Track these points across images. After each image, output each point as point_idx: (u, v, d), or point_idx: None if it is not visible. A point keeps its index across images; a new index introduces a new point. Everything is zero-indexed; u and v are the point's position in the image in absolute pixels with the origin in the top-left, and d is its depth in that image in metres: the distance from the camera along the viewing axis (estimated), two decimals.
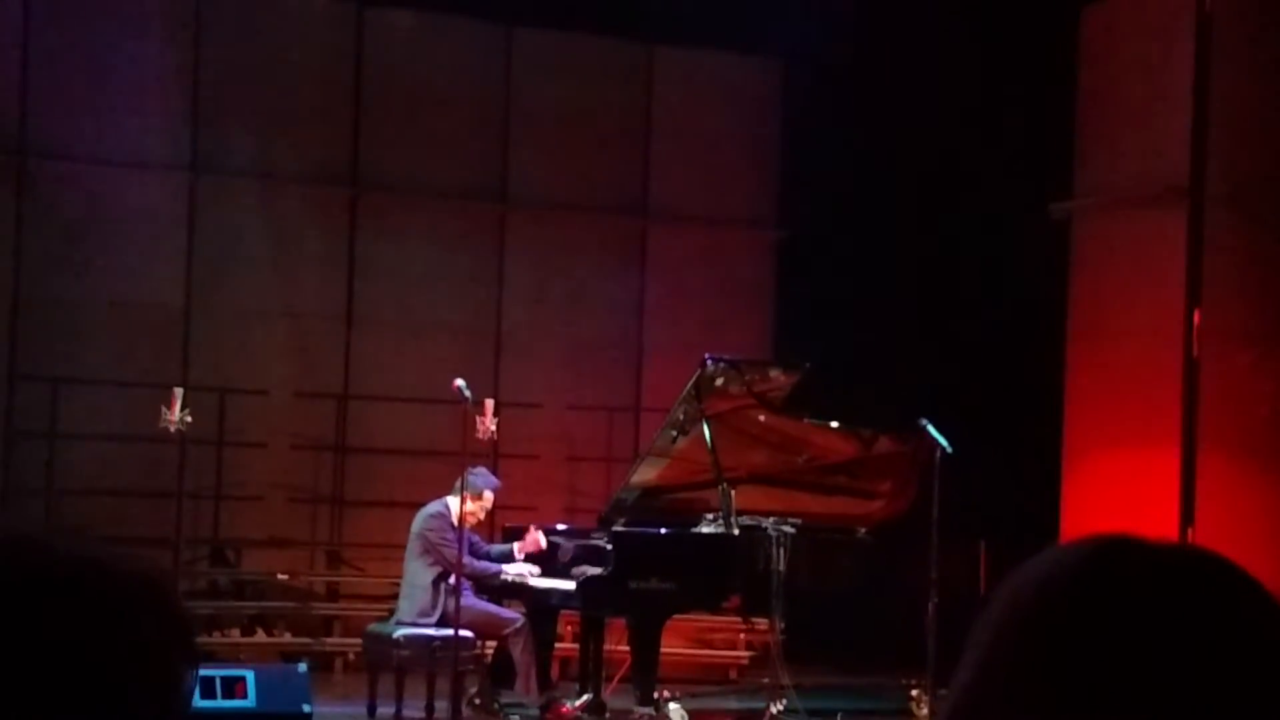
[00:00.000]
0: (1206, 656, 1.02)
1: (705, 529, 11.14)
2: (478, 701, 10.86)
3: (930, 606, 10.51)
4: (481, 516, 10.96)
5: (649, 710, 10.64)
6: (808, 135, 14.85)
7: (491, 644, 10.97)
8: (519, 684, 10.71)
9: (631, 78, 15.22)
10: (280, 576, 13.75)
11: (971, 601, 10.20)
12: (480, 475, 10.74)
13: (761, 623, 12.05)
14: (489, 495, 10.80)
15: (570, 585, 10.72)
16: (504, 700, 10.90)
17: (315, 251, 14.32)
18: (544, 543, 10.91)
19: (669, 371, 13.08)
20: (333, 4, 14.45)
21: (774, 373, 11.73)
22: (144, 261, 13.67)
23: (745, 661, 13.45)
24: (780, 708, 10.77)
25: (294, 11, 14.29)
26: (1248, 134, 11.92)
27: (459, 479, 10.52)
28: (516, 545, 10.96)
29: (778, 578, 10.83)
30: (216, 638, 13.16)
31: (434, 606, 10.53)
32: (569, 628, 12.11)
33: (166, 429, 10.17)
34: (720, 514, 11.02)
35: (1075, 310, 12.68)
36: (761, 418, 11.44)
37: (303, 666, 8.74)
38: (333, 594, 14.10)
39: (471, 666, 10.80)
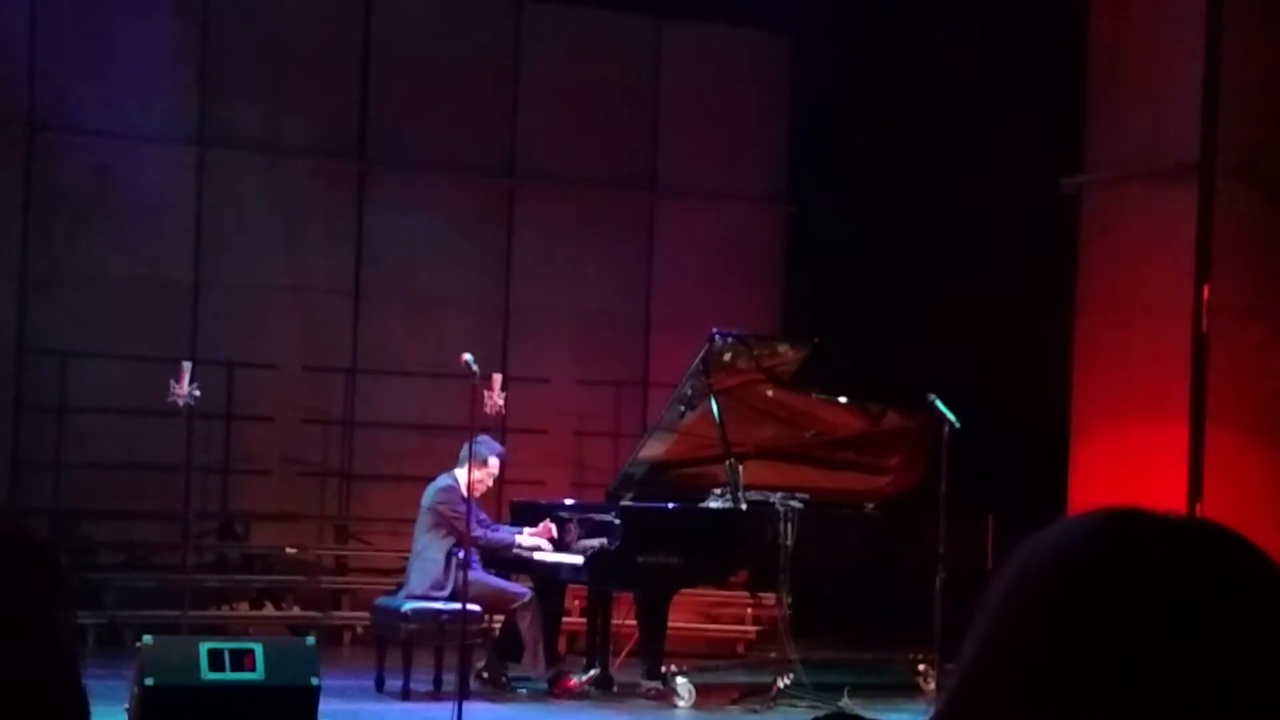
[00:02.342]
0: (1216, 629, 1.01)
1: (713, 504, 11.16)
2: (485, 675, 10.89)
3: (937, 581, 10.53)
4: (490, 484, 10.99)
5: (656, 684, 10.67)
6: (817, 109, 14.81)
7: (498, 618, 11.00)
8: (526, 658, 10.73)
9: (641, 52, 15.18)
10: (288, 550, 13.78)
11: (978, 576, 10.16)
12: (484, 443, 10.76)
13: (769, 597, 12.07)
14: (494, 461, 10.81)
15: (578, 559, 10.74)
16: (511, 674, 10.93)
17: (323, 225, 14.31)
18: (555, 533, 10.95)
19: (677, 346, 13.07)
20: None
21: (782, 348, 11.74)
22: (152, 235, 13.66)
23: (752, 636, 13.47)
24: (787, 682, 10.79)
25: None
26: (1259, 108, 11.88)
27: (464, 450, 10.56)
28: (527, 530, 10.96)
29: (785, 552, 10.84)
30: (225, 611, 13.20)
31: (448, 580, 10.54)
32: (576, 602, 12.13)
33: (175, 403, 10.18)
34: (728, 489, 11.03)
35: (1084, 285, 12.66)
36: (769, 393, 11.45)
37: (310, 640, 8.74)
38: (341, 568, 14.13)
39: (479, 640, 10.83)
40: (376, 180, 14.44)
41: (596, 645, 11.21)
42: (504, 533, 10.96)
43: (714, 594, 12.94)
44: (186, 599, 11.11)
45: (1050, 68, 13.35)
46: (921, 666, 11.38)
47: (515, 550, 10.88)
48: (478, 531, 10.54)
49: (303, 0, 14.22)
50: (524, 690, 10.82)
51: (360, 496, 14.28)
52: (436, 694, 10.46)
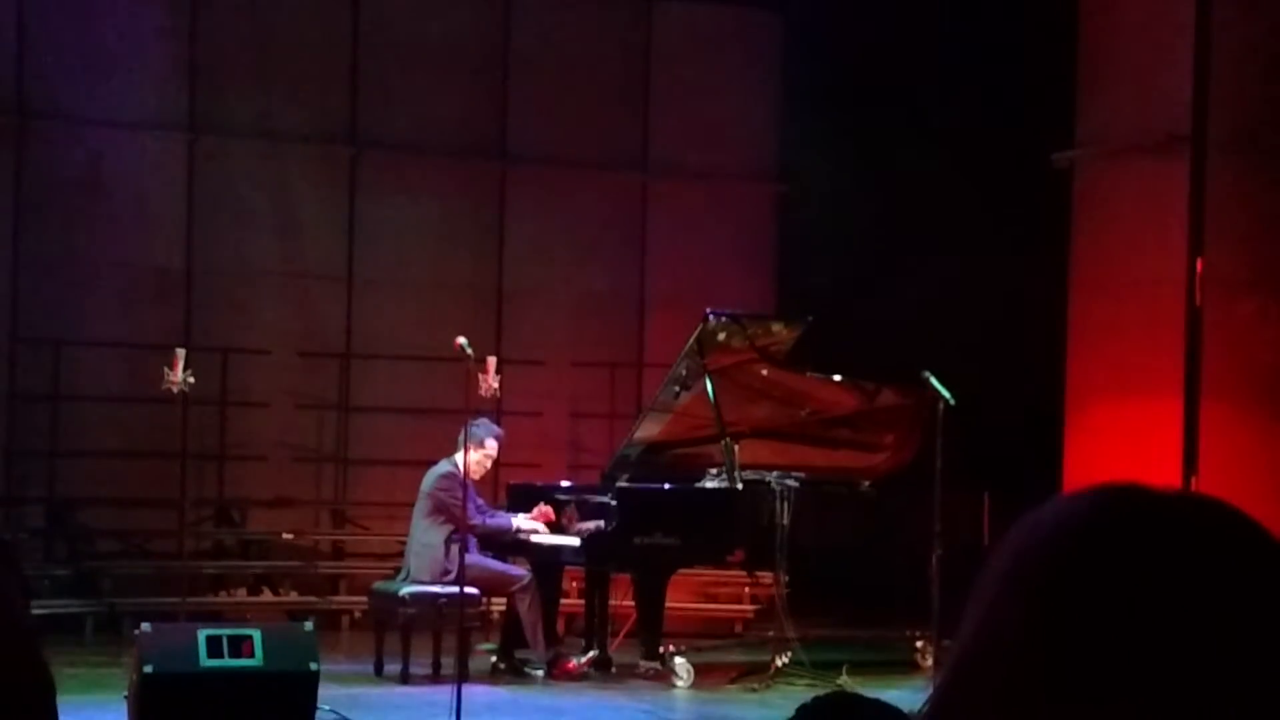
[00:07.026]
0: (1216, 604, 1.01)
1: (709, 484, 11.16)
2: (502, 666, 10.86)
3: (934, 558, 10.52)
4: (488, 466, 10.98)
5: (654, 665, 10.68)
6: (808, 87, 14.79)
7: (496, 602, 10.99)
8: (526, 640, 10.73)
9: (631, 31, 15.14)
10: (285, 536, 13.77)
11: (975, 553, 10.21)
12: (481, 425, 10.74)
13: (766, 576, 12.08)
14: (491, 443, 10.79)
15: (576, 541, 10.75)
16: (518, 656, 10.91)
17: (315, 210, 14.29)
18: (552, 516, 10.96)
19: (671, 326, 13.06)
20: None
21: (776, 326, 11.73)
22: (144, 222, 13.64)
23: (750, 615, 13.48)
24: (785, 660, 10.80)
25: None
26: (1250, 81, 11.86)
27: (461, 433, 10.55)
28: (523, 515, 10.94)
29: (782, 531, 10.85)
30: (222, 597, 13.20)
31: (451, 565, 10.51)
32: (574, 583, 12.13)
33: (169, 390, 10.16)
34: (724, 469, 11.03)
35: (1077, 259, 12.66)
36: (764, 372, 11.44)
37: (309, 625, 8.74)
38: (338, 552, 14.13)
39: (477, 624, 10.82)
40: (368, 164, 14.42)
41: (595, 626, 11.22)
42: (501, 518, 10.95)
43: (711, 574, 12.95)
44: (184, 586, 11.12)
45: (1041, 42, 13.33)
46: (919, 643, 11.40)
47: (515, 531, 10.88)
48: (475, 518, 10.52)
49: None
50: (525, 670, 10.83)
51: (356, 481, 14.27)
52: (435, 677, 10.47)
